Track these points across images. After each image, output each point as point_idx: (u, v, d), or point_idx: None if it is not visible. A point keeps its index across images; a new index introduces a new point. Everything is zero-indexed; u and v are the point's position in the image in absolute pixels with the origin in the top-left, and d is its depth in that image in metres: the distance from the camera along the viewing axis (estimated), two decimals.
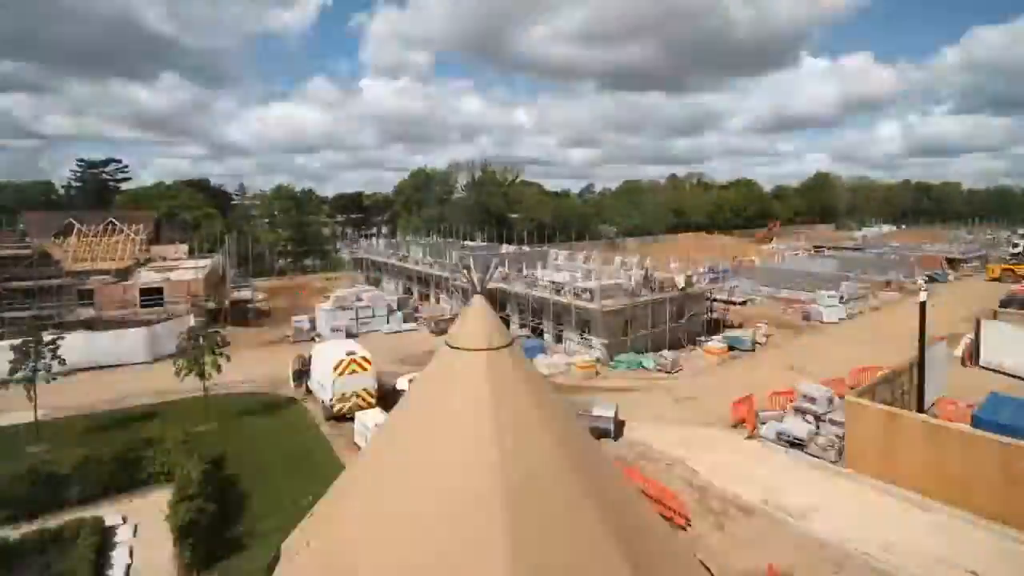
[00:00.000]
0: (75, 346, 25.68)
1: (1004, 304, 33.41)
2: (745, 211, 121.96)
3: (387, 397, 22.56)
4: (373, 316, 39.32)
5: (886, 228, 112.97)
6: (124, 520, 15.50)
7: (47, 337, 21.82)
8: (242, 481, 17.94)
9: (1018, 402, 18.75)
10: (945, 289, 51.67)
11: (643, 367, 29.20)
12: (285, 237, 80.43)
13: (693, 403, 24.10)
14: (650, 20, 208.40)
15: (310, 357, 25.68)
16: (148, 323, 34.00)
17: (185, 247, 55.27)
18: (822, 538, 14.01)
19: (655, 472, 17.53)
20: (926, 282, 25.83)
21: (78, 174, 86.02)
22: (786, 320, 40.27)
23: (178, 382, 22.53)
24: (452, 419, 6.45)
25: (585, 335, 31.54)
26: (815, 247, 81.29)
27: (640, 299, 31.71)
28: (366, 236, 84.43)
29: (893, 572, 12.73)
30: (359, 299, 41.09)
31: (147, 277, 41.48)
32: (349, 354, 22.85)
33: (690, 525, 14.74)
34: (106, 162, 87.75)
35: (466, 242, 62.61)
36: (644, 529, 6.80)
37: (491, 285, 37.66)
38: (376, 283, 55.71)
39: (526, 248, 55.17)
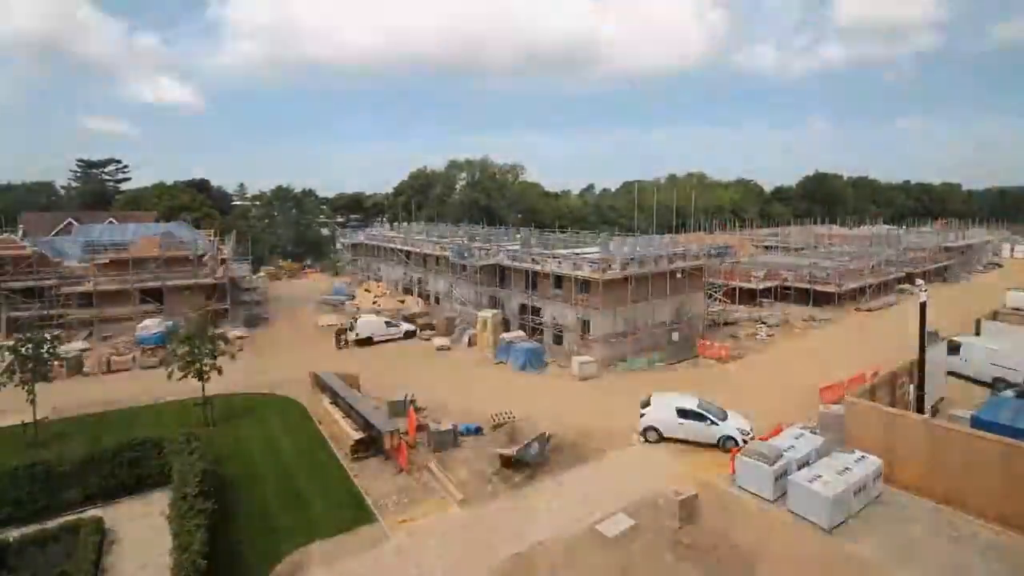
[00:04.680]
0: None
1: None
2: (745, 211, 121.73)
3: None
4: None
5: (884, 228, 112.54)
6: (123, 520, 15.42)
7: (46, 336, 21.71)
8: (242, 481, 17.90)
9: (1018, 403, 18.78)
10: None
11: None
12: (285, 238, 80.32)
13: None
14: None
15: None
16: None
17: None
18: None
19: None
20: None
21: (78, 174, 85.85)
22: None
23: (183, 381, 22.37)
24: None
25: (584, 337, 31.47)
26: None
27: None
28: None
29: None
30: None
31: None
32: None
33: None
34: (106, 162, 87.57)
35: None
36: None
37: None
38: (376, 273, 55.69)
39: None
